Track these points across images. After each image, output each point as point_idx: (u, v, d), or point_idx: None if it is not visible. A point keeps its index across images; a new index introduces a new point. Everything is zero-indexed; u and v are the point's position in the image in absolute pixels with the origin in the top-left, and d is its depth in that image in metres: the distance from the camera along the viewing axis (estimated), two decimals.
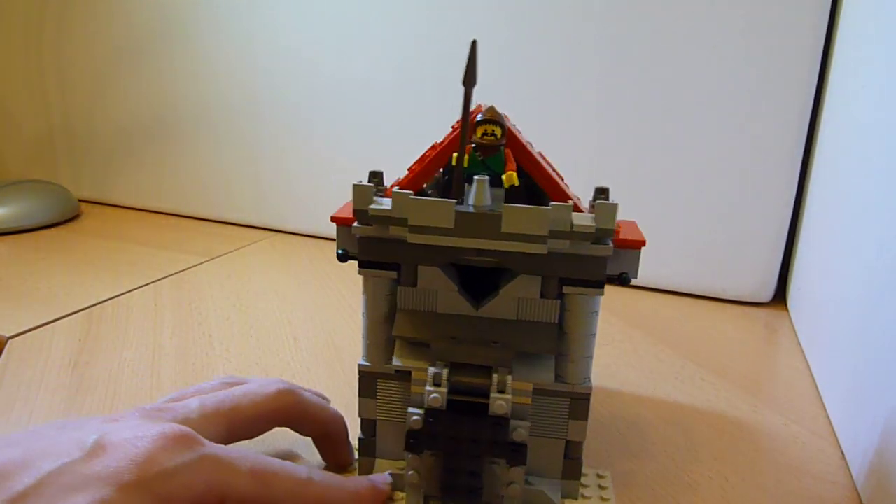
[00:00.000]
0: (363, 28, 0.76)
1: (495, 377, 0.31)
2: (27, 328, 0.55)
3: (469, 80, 0.29)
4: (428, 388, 0.31)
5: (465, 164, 0.31)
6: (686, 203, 0.67)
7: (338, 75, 0.79)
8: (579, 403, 0.33)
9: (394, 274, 0.32)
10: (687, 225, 0.67)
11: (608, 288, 0.71)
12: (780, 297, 0.69)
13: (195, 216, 0.95)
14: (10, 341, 0.53)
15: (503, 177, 0.31)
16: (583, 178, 0.71)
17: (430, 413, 0.31)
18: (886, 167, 0.41)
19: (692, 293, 0.70)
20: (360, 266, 0.32)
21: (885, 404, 0.35)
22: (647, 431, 0.43)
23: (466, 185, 0.31)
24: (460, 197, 0.31)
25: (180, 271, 0.72)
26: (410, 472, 0.32)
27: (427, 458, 0.32)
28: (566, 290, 0.32)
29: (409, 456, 0.32)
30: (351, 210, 0.32)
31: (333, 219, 0.35)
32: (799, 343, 0.58)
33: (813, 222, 0.60)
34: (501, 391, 0.30)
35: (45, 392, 0.45)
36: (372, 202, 0.31)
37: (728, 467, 0.40)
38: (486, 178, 0.30)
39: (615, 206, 0.30)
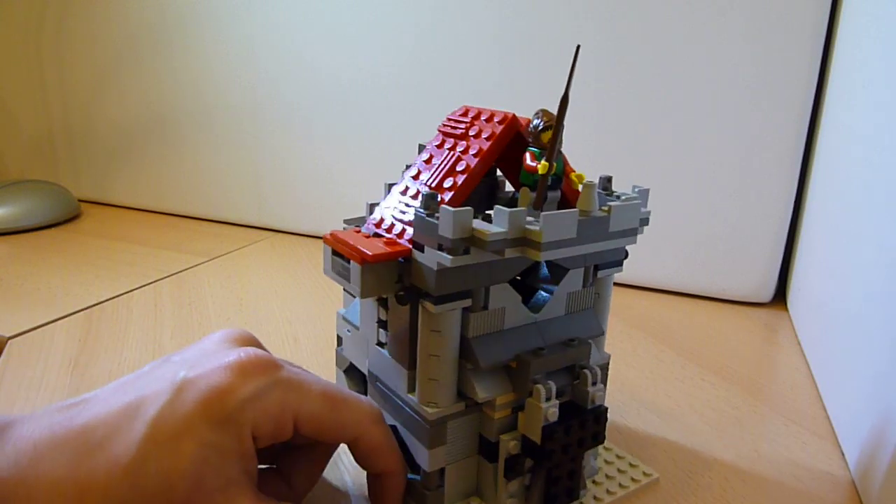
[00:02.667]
0: (364, 28, 0.76)
1: (587, 372, 0.32)
2: (27, 328, 0.55)
3: (570, 84, 0.29)
4: (544, 404, 0.30)
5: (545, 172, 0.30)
6: (686, 203, 0.67)
7: (338, 76, 0.79)
8: (605, 371, 0.37)
9: (468, 302, 0.30)
10: (687, 225, 0.67)
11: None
12: (780, 297, 0.69)
13: (195, 216, 0.95)
14: (10, 341, 0.53)
15: (573, 176, 0.32)
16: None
17: (547, 429, 0.30)
18: (886, 167, 0.41)
19: (692, 293, 0.70)
20: (437, 303, 0.29)
21: (885, 404, 0.35)
22: (647, 431, 0.43)
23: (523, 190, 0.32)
24: (542, 205, 0.31)
25: (180, 271, 0.72)
26: (511, 500, 0.32)
27: (518, 481, 0.32)
28: (600, 273, 0.35)
29: (507, 484, 0.32)
30: (367, 243, 0.29)
31: (381, 256, 0.29)
32: (799, 343, 0.58)
33: (813, 222, 0.60)
34: (594, 383, 0.32)
35: (45, 392, 0.45)
36: (473, 227, 0.28)
37: (728, 467, 0.40)
38: (595, 182, 0.30)
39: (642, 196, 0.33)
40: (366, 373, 0.36)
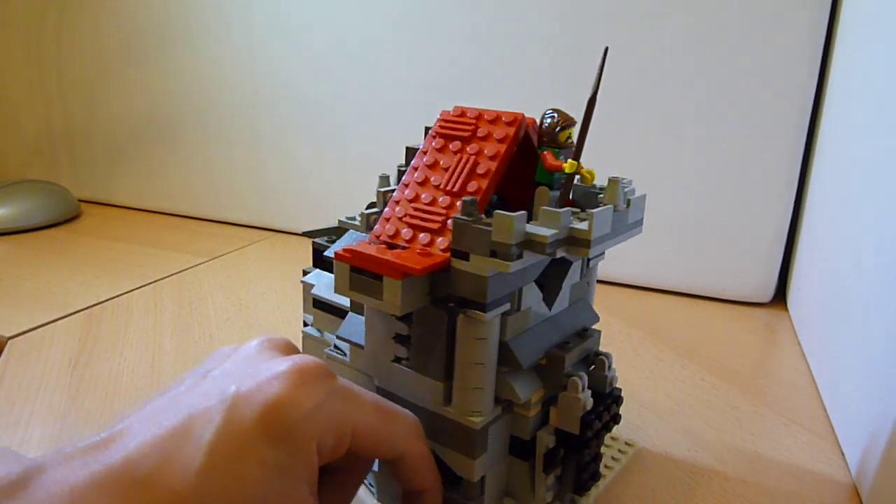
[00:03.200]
0: (365, 29, 0.76)
1: (604, 358, 0.34)
2: (27, 328, 0.55)
3: (597, 86, 0.29)
4: (582, 395, 0.31)
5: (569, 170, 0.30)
6: (686, 203, 0.67)
7: (339, 76, 0.79)
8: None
9: (508, 305, 0.29)
10: (687, 225, 0.67)
11: (608, 288, 0.71)
12: (780, 297, 0.69)
13: (195, 216, 0.95)
14: (10, 341, 0.53)
15: (584, 172, 0.32)
16: None
17: (584, 418, 0.31)
18: (886, 167, 0.41)
19: (692, 293, 0.70)
20: (487, 309, 0.28)
21: (885, 404, 0.35)
22: (647, 431, 0.43)
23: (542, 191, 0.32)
24: (567, 203, 0.31)
25: (180, 271, 0.72)
26: (548, 493, 0.33)
27: (553, 474, 0.33)
28: (591, 263, 0.35)
29: (547, 477, 0.32)
30: (402, 256, 0.28)
31: (429, 268, 0.28)
32: (799, 343, 0.58)
33: (813, 222, 0.60)
34: (609, 367, 0.34)
35: (45, 392, 0.45)
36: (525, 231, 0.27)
37: (728, 467, 0.40)
38: (620, 178, 0.31)
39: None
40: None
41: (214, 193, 0.91)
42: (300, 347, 0.32)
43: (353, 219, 0.37)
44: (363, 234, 0.35)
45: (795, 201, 0.65)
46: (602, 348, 0.36)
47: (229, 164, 0.89)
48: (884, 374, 0.36)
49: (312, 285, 0.38)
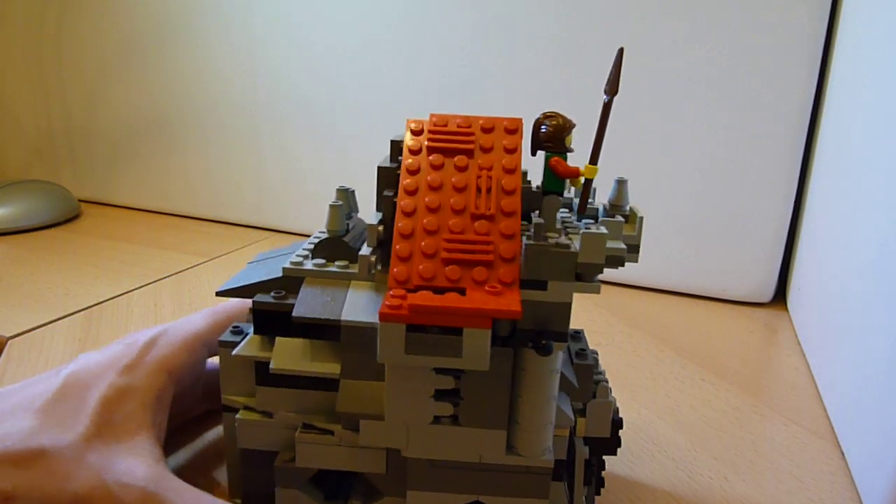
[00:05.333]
0: (365, 29, 0.76)
1: (594, 356, 0.34)
2: (27, 328, 0.55)
3: (614, 87, 0.28)
4: (612, 398, 0.31)
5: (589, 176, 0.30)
6: (686, 203, 0.67)
7: (339, 76, 0.79)
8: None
9: None
10: (687, 225, 0.67)
11: (608, 288, 0.71)
12: (780, 297, 0.69)
13: (195, 216, 0.95)
14: (10, 341, 0.53)
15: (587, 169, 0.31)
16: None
17: (614, 421, 0.32)
18: (886, 166, 0.41)
19: (692, 293, 0.70)
20: (566, 338, 0.26)
21: (885, 404, 0.35)
22: (647, 431, 0.43)
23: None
24: (585, 210, 0.31)
25: (180, 271, 0.72)
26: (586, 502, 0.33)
27: None
28: None
29: (586, 489, 0.32)
30: (483, 300, 0.24)
31: (518, 308, 0.24)
32: (799, 343, 0.58)
33: (813, 222, 0.60)
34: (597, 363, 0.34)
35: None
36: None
37: (728, 467, 0.40)
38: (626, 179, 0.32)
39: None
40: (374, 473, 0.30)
41: (214, 193, 0.91)
42: (238, 439, 0.30)
43: (301, 264, 0.29)
44: (269, 269, 0.31)
45: (795, 201, 0.65)
46: (603, 348, 0.36)
47: (229, 164, 0.89)
48: (884, 373, 0.36)
49: (257, 358, 0.29)
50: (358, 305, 0.28)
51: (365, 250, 0.28)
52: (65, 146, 1.01)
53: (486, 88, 0.72)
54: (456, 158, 0.28)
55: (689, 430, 0.43)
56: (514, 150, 0.29)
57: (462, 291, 0.25)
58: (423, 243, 0.26)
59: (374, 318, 0.26)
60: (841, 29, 0.58)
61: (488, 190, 0.27)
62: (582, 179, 0.31)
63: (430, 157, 0.28)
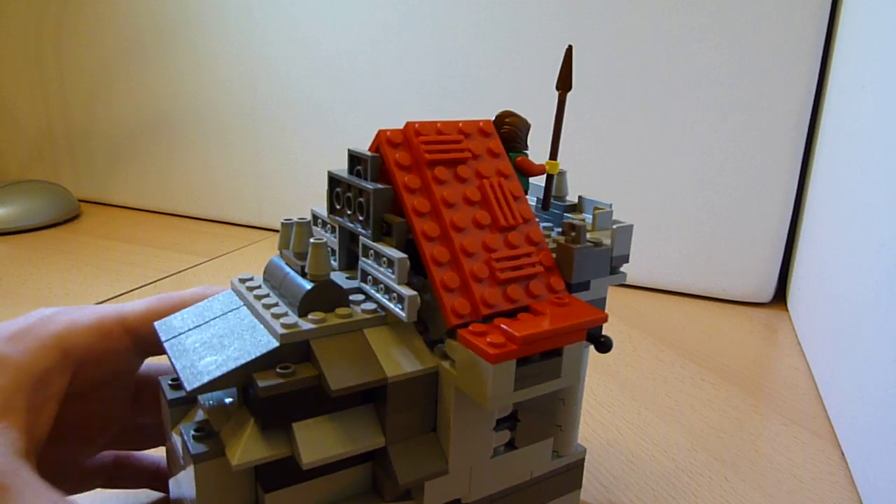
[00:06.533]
0: (365, 29, 0.76)
1: None
2: None
3: (564, 84, 0.29)
4: None
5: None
6: (686, 203, 0.67)
7: (339, 76, 0.79)
8: None
9: None
10: (687, 225, 0.67)
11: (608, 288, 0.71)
12: (780, 297, 0.69)
13: (195, 216, 0.95)
14: None
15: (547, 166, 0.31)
16: (583, 179, 0.71)
17: None
18: (886, 167, 0.41)
19: (692, 293, 0.70)
20: (601, 331, 0.25)
21: (885, 404, 0.35)
22: (647, 431, 0.43)
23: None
24: (549, 205, 0.31)
25: (180, 271, 0.72)
26: None
27: None
28: None
29: None
30: (570, 313, 0.24)
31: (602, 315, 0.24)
32: (799, 343, 0.58)
33: (813, 222, 0.60)
34: None
35: None
36: None
37: (728, 467, 0.40)
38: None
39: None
40: None
41: (214, 193, 0.91)
42: None
43: (296, 326, 0.23)
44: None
45: (795, 201, 0.65)
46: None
47: (229, 163, 0.89)
48: (884, 373, 0.36)
49: (270, 458, 0.23)
50: (393, 355, 0.24)
51: (406, 291, 0.23)
52: (65, 146, 1.01)
53: (486, 88, 0.72)
54: (458, 169, 0.26)
55: (689, 430, 0.43)
56: (500, 154, 0.27)
57: (527, 310, 0.24)
58: (472, 268, 0.24)
59: (420, 365, 0.24)
60: (841, 29, 0.58)
61: (503, 199, 0.26)
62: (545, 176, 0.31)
63: (435, 171, 0.25)
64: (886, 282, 0.38)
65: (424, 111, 0.75)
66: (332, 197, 0.28)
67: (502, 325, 0.22)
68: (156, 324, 0.26)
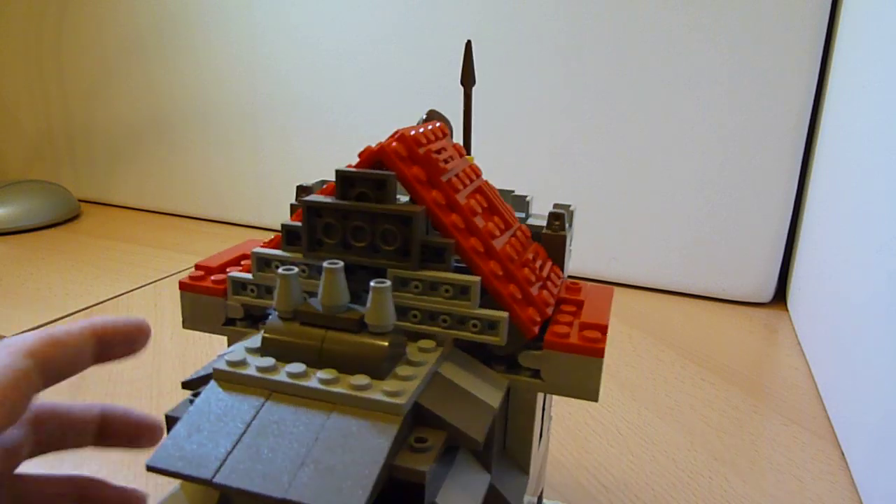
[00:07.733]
0: (365, 29, 0.76)
1: None
2: (27, 328, 0.55)
3: (467, 79, 0.29)
4: None
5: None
6: (686, 203, 0.67)
7: (339, 76, 0.79)
8: None
9: None
10: (687, 225, 0.67)
11: None
12: (780, 297, 0.69)
13: (195, 216, 0.95)
14: None
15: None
16: (584, 179, 0.71)
17: None
18: (886, 167, 0.41)
19: (692, 293, 0.70)
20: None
21: (885, 404, 0.35)
22: (647, 431, 0.43)
23: None
24: None
25: (180, 271, 0.72)
26: None
27: None
28: None
29: None
30: (597, 309, 0.25)
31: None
32: (799, 343, 0.58)
33: (813, 222, 0.60)
34: None
35: (44, 392, 0.45)
36: None
37: (728, 467, 0.40)
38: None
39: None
40: None
41: (214, 193, 0.91)
42: None
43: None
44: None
45: (795, 201, 0.65)
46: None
47: (229, 164, 0.89)
48: (884, 373, 0.36)
49: None
50: (478, 385, 0.22)
51: (497, 313, 0.22)
52: (65, 146, 1.01)
53: (486, 89, 0.71)
54: (460, 177, 0.25)
55: (689, 430, 0.43)
56: (463, 154, 0.28)
57: (560, 303, 0.26)
58: (522, 275, 0.23)
59: (502, 387, 0.23)
60: (841, 29, 0.58)
61: (499, 201, 0.26)
62: None
63: (451, 182, 0.24)
64: (886, 282, 0.38)
65: (424, 111, 0.75)
66: (311, 231, 0.23)
67: (579, 321, 0.24)
68: (159, 460, 0.19)
